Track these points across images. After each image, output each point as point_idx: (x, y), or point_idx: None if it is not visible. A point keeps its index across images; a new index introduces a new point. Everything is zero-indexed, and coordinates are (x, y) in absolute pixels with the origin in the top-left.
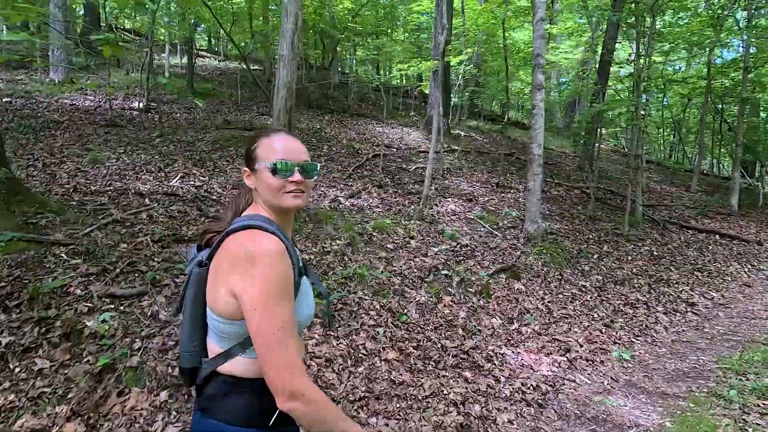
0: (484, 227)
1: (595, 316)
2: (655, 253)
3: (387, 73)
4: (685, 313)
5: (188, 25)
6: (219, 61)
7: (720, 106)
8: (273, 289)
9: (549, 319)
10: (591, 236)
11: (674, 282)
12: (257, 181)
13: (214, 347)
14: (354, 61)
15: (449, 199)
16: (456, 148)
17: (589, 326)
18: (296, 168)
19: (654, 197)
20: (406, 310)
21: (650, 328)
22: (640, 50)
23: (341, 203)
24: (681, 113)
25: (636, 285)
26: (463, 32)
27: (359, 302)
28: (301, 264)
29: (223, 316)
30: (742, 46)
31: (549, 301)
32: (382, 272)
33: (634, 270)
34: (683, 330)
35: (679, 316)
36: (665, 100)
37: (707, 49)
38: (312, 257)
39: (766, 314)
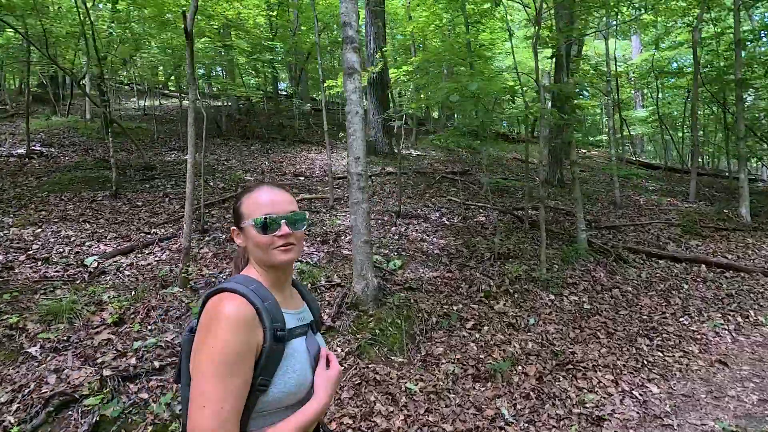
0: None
1: None
2: (585, 307)
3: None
4: None
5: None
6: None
7: (723, 94)
8: (213, 361)
9: None
10: (483, 287)
11: (590, 367)
12: (246, 240)
13: None
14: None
15: None
16: (392, 170)
17: None
18: (282, 221)
19: (631, 212)
20: None
21: None
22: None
23: (98, 263)
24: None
25: (504, 382)
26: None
27: None
28: (299, 324)
29: None
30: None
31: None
32: None
33: (528, 346)
34: None
35: None
36: (667, 95)
37: (693, 26)
38: None
39: None
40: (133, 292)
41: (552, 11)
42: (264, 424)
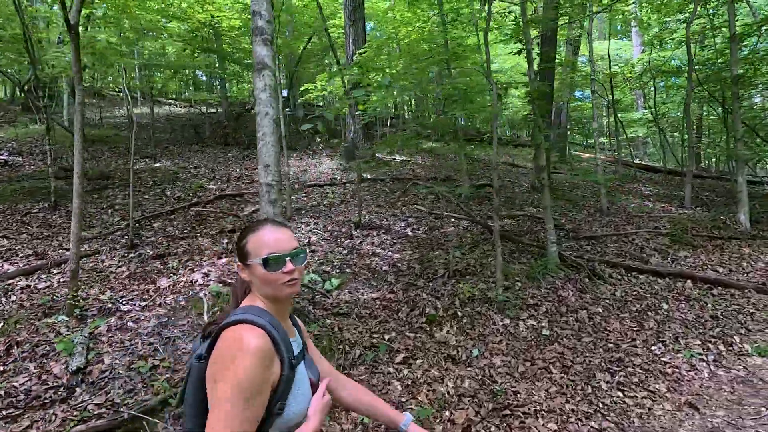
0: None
1: None
2: (543, 333)
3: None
4: None
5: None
6: (185, 107)
7: (722, 92)
8: (237, 391)
9: None
10: (428, 310)
11: (531, 412)
12: (251, 275)
13: None
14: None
15: (204, 262)
16: (368, 176)
17: None
18: (287, 258)
19: (618, 220)
20: None
21: None
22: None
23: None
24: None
25: None
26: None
27: None
28: (299, 350)
29: None
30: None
31: None
32: None
33: (464, 384)
34: None
35: None
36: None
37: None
38: None
39: None
40: (2, 324)
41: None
42: None
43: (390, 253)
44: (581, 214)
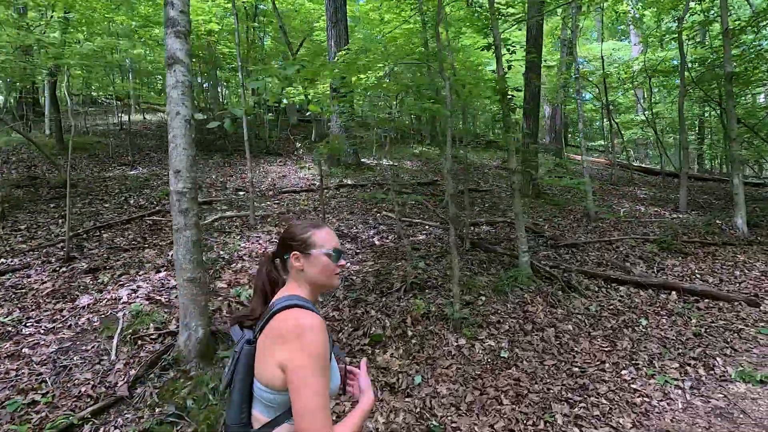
0: (99, 345)
1: None
2: (502, 355)
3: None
4: None
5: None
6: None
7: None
8: (315, 363)
9: None
10: (374, 329)
11: None
12: (307, 264)
13: (260, 417)
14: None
15: (139, 276)
16: (348, 182)
17: None
18: (342, 255)
19: (605, 225)
20: None
21: None
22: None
23: None
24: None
25: None
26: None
27: None
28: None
29: (271, 387)
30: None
31: None
32: None
33: (397, 418)
34: None
35: None
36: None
37: (679, 19)
38: None
39: None
40: None
41: None
42: None
43: (348, 264)
44: (568, 219)
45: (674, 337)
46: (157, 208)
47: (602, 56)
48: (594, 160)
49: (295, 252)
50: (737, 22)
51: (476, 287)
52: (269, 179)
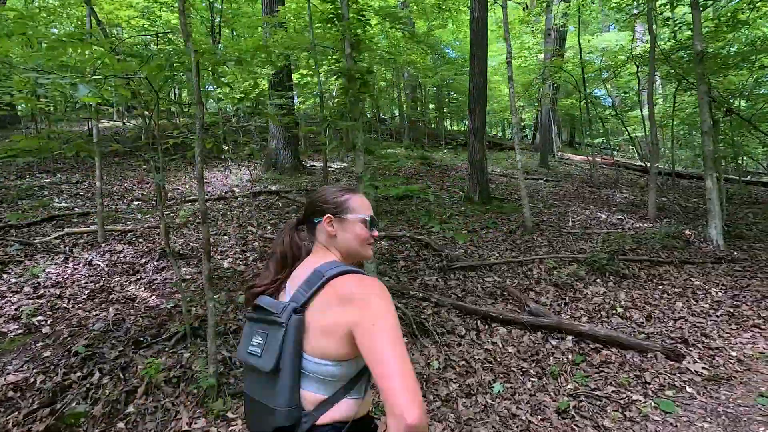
0: None
1: None
2: None
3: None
4: None
5: None
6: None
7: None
8: (394, 322)
9: None
10: (75, 405)
11: None
12: (340, 229)
13: (313, 396)
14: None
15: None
16: (274, 189)
17: None
18: (375, 224)
19: (541, 239)
20: None
21: None
22: None
23: None
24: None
25: None
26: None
27: None
28: None
29: (333, 359)
30: None
31: None
32: None
33: None
34: None
35: None
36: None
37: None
38: None
39: None
40: None
41: None
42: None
43: (147, 296)
44: (500, 231)
45: (524, 418)
46: (10, 222)
47: (579, 44)
48: (593, 159)
49: (329, 215)
50: None
51: None
52: (187, 186)
